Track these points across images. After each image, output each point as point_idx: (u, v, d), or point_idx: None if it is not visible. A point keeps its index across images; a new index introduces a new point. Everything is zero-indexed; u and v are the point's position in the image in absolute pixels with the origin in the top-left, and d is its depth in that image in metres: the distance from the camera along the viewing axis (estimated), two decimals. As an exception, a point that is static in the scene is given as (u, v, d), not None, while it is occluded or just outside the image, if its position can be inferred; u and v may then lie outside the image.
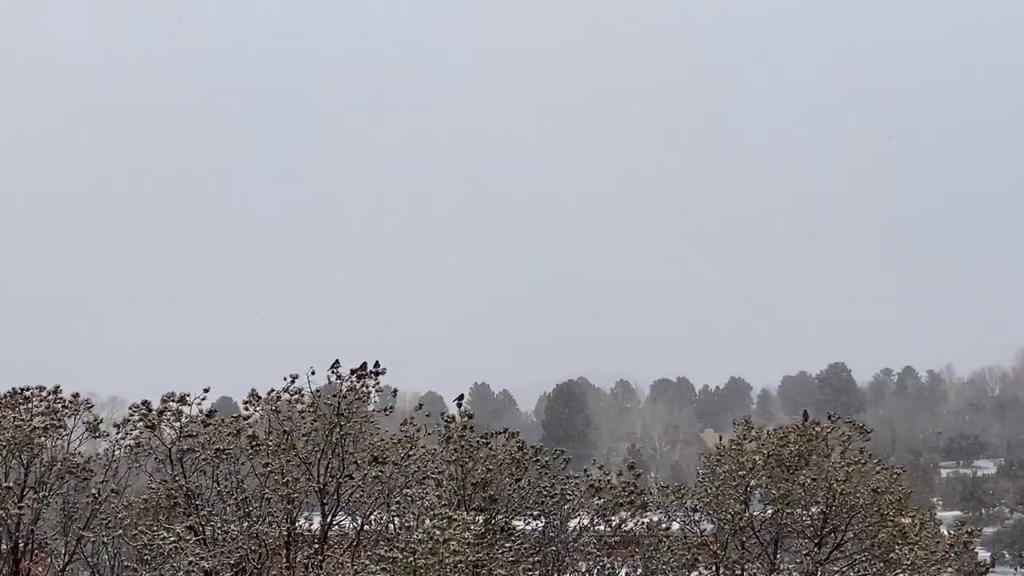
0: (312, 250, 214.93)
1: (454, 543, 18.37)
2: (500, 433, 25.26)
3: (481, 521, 23.11)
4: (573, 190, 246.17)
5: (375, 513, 22.10)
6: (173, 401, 20.39)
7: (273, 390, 21.26)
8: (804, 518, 26.14)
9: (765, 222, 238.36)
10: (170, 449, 20.74)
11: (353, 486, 21.37)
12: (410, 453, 21.76)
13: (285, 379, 21.06)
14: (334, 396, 21.07)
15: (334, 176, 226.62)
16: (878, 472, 26.00)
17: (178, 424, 20.63)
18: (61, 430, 20.67)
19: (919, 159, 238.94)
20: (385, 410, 22.30)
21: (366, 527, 22.00)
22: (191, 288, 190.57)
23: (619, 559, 26.79)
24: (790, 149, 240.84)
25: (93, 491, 21.04)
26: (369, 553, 21.15)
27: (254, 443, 20.70)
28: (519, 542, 24.06)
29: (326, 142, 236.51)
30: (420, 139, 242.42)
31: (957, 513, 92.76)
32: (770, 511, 26.16)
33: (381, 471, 21.16)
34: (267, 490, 20.83)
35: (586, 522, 25.84)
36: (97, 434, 21.24)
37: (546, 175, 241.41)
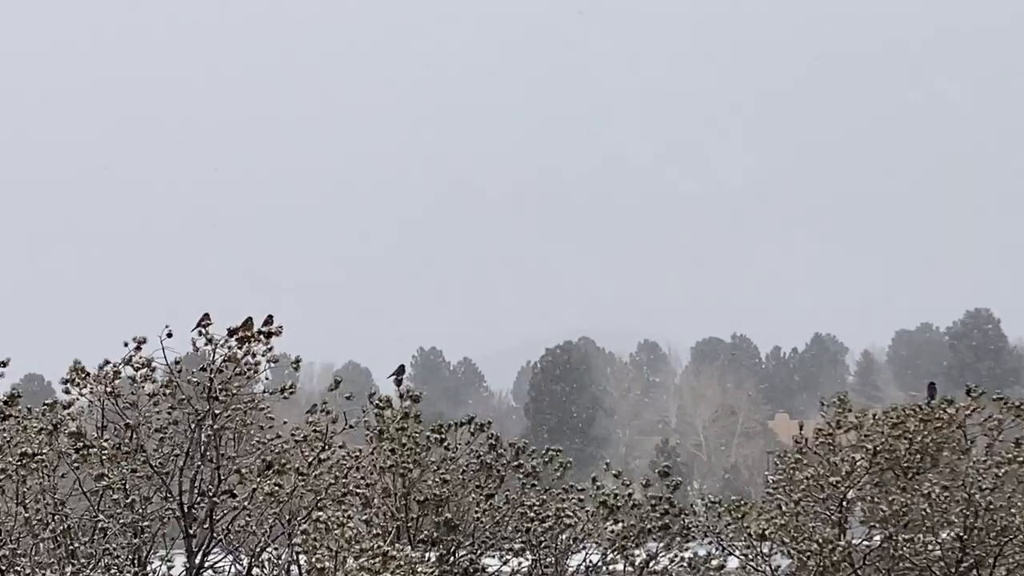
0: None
1: (393, 593, 18.47)
2: (461, 424, 25.37)
3: (433, 560, 23.25)
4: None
5: (269, 548, 22.19)
6: (-48, 381, 20.38)
7: (108, 362, 21.23)
8: (931, 546, 26.41)
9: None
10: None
11: (235, 508, 21.43)
12: (322, 456, 21.81)
13: (126, 345, 21.04)
14: (203, 370, 21.06)
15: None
16: (1043, 475, 26.25)
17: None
18: None
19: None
20: (283, 391, 22.31)
21: (256, 570, 22.09)
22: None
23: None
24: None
25: None
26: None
27: (80, 444, 20.71)
28: (493, 590, 24.23)
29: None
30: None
31: None
32: (878, 537, 26.41)
33: (278, 484, 21.22)
34: (101, 516, 20.87)
35: (596, 559, 26.04)
36: None
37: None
